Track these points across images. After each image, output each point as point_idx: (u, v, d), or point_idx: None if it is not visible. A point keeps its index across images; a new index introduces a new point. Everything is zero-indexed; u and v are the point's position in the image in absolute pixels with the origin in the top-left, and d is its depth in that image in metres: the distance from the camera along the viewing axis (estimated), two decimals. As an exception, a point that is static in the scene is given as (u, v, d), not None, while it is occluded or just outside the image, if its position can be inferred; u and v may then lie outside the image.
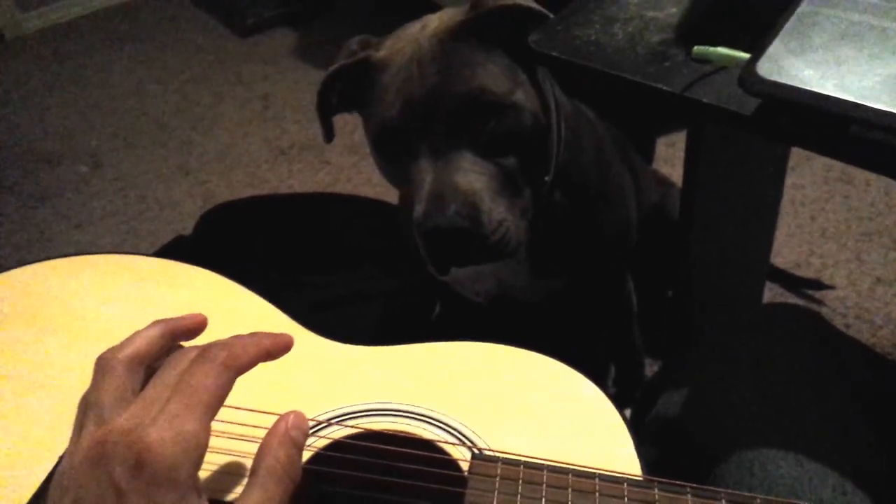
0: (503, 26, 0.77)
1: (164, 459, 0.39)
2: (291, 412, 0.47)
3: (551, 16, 0.76)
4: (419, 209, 0.74)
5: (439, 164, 0.75)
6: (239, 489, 0.53)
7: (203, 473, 0.42)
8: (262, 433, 0.54)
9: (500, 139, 0.76)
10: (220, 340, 0.46)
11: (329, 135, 0.89)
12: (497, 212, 0.74)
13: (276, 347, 0.49)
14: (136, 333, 0.48)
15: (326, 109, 0.86)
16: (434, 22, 0.80)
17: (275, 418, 0.53)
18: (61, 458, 0.56)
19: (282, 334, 0.49)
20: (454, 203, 0.72)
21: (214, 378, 0.43)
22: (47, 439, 0.59)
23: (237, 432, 0.55)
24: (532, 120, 0.78)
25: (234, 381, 0.44)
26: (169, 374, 0.44)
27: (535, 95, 0.80)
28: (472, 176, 0.74)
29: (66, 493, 0.40)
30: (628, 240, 1.04)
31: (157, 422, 0.40)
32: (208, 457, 0.42)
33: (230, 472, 0.54)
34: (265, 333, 0.49)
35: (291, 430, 0.45)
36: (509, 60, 0.78)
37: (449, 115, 0.74)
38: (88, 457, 0.40)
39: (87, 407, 0.44)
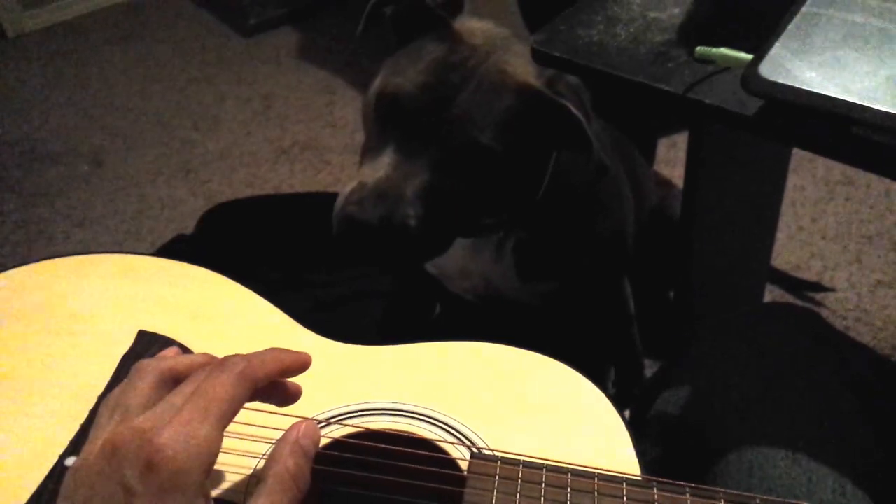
0: (550, 116, 0.77)
1: (173, 463, 0.39)
2: (303, 421, 0.47)
3: (595, 144, 0.76)
4: (355, 190, 0.74)
5: (402, 163, 0.75)
6: (243, 490, 0.53)
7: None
8: (264, 432, 0.54)
9: (471, 178, 0.76)
10: (241, 354, 0.47)
11: (365, 30, 0.84)
12: (421, 232, 0.75)
13: (295, 364, 0.50)
14: (182, 355, 0.50)
15: (376, 14, 0.83)
16: (512, 48, 0.80)
17: (276, 417, 0.53)
18: (61, 457, 0.57)
19: (301, 353, 0.50)
20: (390, 209, 0.73)
21: (230, 387, 0.43)
22: (47, 439, 0.59)
23: (238, 431, 0.55)
24: (508, 181, 0.79)
25: (249, 393, 0.45)
26: (190, 384, 0.45)
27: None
28: (420, 191, 0.74)
29: (78, 487, 0.41)
30: (622, 246, 1.03)
31: (170, 426, 0.40)
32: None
33: (233, 473, 0.54)
34: (285, 350, 0.49)
35: (302, 439, 0.46)
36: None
37: (448, 144, 0.74)
38: (102, 455, 0.40)
39: (114, 407, 0.44)
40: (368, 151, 0.79)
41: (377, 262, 0.79)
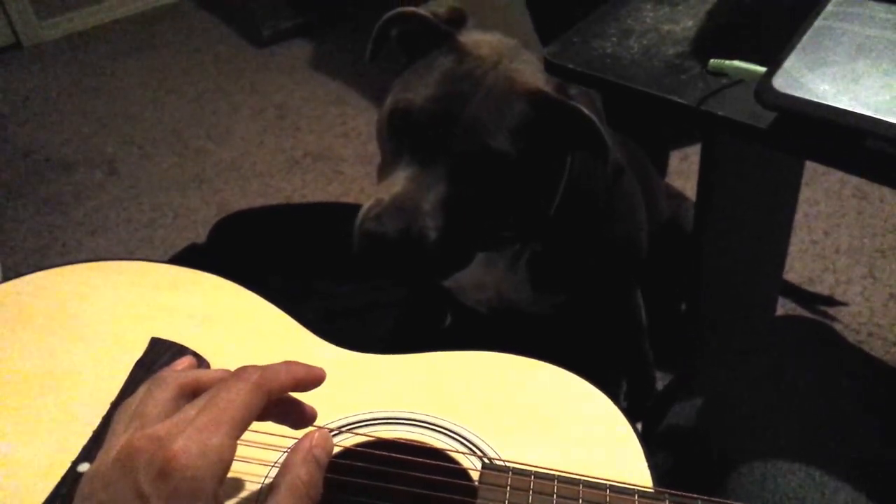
0: (563, 120, 0.77)
1: (187, 470, 0.39)
2: (316, 430, 0.48)
3: (609, 146, 0.76)
4: (373, 206, 0.75)
5: (417, 176, 0.75)
6: (256, 499, 0.53)
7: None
8: (278, 441, 0.55)
9: (486, 187, 0.76)
10: (255, 364, 0.47)
11: (374, 54, 0.85)
12: (441, 244, 0.75)
13: (308, 378, 0.49)
14: (204, 369, 0.51)
15: (383, 37, 0.84)
16: (520, 56, 0.80)
17: (286, 428, 0.53)
18: (73, 463, 0.57)
19: (315, 367, 0.50)
20: (408, 222, 0.73)
21: (244, 397, 0.44)
22: (59, 445, 0.59)
23: (251, 439, 0.56)
24: (524, 189, 0.79)
25: (263, 403, 0.45)
26: (206, 396, 0.45)
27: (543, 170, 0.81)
28: (437, 203, 0.74)
29: (93, 493, 0.41)
30: (635, 256, 1.03)
31: (184, 434, 0.41)
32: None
33: (247, 481, 0.55)
34: (300, 363, 0.49)
35: (315, 449, 0.46)
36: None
37: (461, 153, 0.74)
38: (117, 461, 0.41)
39: (131, 415, 0.45)
40: (384, 169, 0.80)
41: (399, 277, 0.79)
